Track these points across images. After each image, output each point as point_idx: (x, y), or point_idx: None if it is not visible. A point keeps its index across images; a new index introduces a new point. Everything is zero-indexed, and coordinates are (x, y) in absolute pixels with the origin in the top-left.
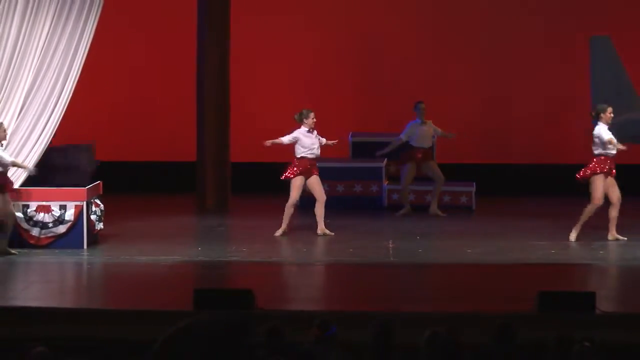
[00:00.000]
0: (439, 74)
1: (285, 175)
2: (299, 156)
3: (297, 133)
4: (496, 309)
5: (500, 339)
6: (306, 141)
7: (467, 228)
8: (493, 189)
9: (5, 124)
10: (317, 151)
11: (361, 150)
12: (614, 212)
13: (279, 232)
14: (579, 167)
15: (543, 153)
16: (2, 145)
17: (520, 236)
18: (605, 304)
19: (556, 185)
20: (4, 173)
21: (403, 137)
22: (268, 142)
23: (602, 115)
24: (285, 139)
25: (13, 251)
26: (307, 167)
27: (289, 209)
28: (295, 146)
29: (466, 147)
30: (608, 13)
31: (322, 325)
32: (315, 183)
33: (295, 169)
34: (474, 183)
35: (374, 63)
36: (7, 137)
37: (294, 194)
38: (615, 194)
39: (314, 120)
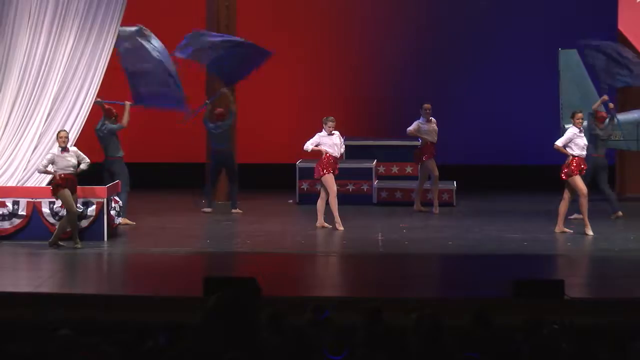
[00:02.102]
0: (424, 85)
1: (320, 174)
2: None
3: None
4: (474, 295)
5: (478, 322)
6: (326, 141)
7: (449, 222)
8: (472, 188)
9: (34, 128)
10: (336, 151)
11: (353, 152)
12: (564, 208)
13: (339, 227)
14: (549, 168)
15: (519, 155)
16: (67, 150)
17: (496, 230)
18: (572, 291)
19: (528, 184)
20: (74, 174)
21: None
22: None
23: (572, 119)
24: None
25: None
26: (330, 163)
27: (332, 203)
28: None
29: (449, 148)
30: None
31: (316, 309)
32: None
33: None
34: (455, 182)
35: (364, 75)
36: (69, 143)
37: (333, 187)
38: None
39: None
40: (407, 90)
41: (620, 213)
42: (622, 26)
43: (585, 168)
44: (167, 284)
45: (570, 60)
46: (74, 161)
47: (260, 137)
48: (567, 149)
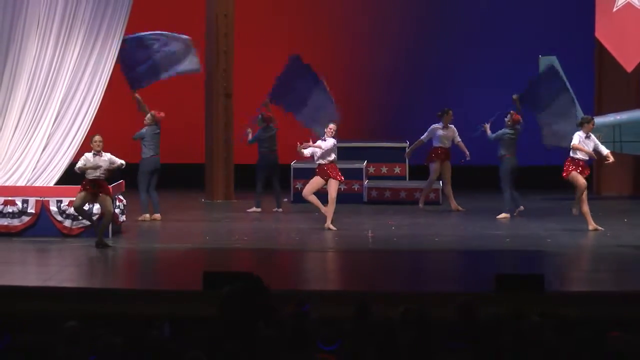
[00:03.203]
0: (412, 90)
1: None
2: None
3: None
4: (459, 288)
5: (463, 315)
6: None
7: (435, 220)
8: (457, 187)
9: (43, 131)
10: (327, 156)
11: (345, 153)
12: (585, 207)
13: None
14: (530, 168)
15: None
16: (100, 154)
17: (479, 227)
18: (552, 284)
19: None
20: (105, 176)
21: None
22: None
23: (585, 124)
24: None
25: (109, 243)
26: (323, 169)
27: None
28: None
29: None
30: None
31: (297, 302)
32: (329, 185)
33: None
34: (441, 182)
35: (355, 80)
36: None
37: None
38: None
39: (329, 129)
40: (396, 95)
41: (522, 207)
42: (598, 34)
43: (585, 170)
44: (168, 278)
45: (550, 65)
46: (106, 165)
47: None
48: (571, 151)
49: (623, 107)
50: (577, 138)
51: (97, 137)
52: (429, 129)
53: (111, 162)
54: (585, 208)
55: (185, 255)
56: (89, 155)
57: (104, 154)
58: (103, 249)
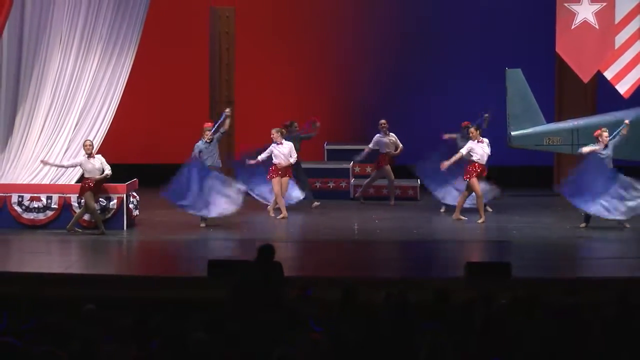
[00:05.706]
0: (392, 97)
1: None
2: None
3: (271, 148)
4: (435, 275)
5: (438, 299)
6: (276, 152)
7: (413, 214)
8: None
9: (64, 135)
10: (283, 160)
11: (334, 155)
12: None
13: (280, 216)
14: (499, 169)
15: None
16: (93, 157)
17: (453, 220)
18: (518, 272)
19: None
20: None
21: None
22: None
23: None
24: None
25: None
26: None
27: (278, 200)
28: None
29: (416, 151)
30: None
31: (301, 287)
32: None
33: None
34: (418, 179)
35: (344, 87)
36: (93, 151)
37: (275, 188)
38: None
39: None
40: (381, 100)
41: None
42: (558, 48)
43: (483, 171)
44: (176, 265)
45: (515, 77)
46: (99, 165)
47: (254, 142)
48: (471, 155)
49: (580, 113)
50: (470, 144)
51: (88, 142)
52: (374, 139)
53: (100, 171)
54: (462, 202)
55: (191, 245)
56: (82, 159)
57: (95, 156)
58: (73, 234)
